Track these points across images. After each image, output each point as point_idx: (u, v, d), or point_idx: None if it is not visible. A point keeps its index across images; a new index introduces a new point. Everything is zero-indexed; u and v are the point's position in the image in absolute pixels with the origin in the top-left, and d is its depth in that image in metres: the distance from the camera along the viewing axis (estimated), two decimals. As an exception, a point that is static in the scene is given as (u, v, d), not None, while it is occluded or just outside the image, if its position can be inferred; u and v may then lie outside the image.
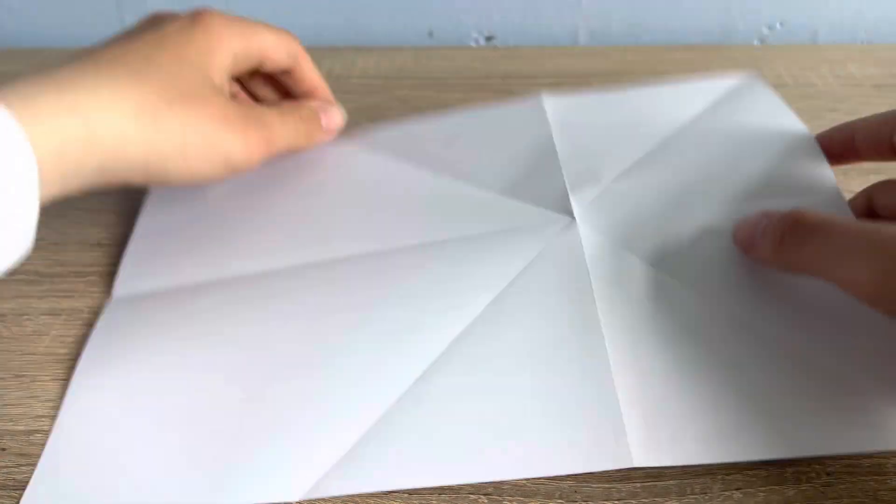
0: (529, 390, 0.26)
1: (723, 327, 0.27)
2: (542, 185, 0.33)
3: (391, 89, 0.51)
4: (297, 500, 0.24)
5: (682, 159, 0.33)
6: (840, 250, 0.23)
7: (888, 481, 0.25)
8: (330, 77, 0.52)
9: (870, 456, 0.25)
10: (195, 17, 0.31)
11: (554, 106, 0.39)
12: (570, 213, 0.31)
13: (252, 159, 0.31)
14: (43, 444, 0.27)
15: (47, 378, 0.30)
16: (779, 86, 0.50)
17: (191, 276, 0.33)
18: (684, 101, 0.38)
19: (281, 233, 0.34)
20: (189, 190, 0.37)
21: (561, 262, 0.29)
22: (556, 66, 0.53)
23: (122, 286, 0.33)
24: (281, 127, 0.33)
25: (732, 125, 0.35)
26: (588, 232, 0.30)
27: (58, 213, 0.38)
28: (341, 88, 0.51)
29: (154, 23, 0.32)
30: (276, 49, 0.34)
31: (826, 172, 0.31)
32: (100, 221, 0.38)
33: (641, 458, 0.24)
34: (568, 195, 0.32)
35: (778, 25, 0.59)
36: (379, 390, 0.26)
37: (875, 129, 0.30)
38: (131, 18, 0.59)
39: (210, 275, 0.32)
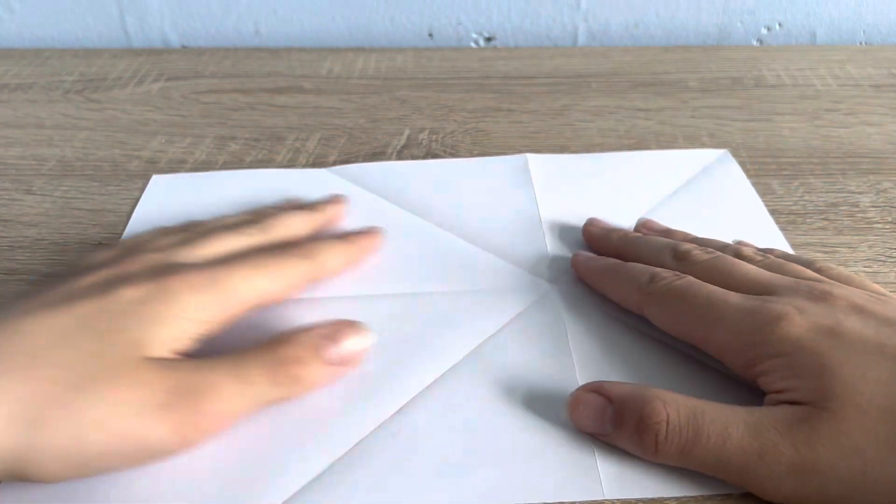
0: (506, 427, 0.27)
1: (686, 377, 0.29)
2: (525, 249, 0.35)
3: (391, 90, 0.51)
4: None
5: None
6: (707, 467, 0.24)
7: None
8: (330, 77, 0.53)
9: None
10: (159, 286, 0.26)
11: (538, 167, 0.42)
12: (549, 280, 0.34)
13: (188, 445, 0.24)
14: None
15: (48, 378, 0.30)
16: (777, 86, 0.50)
17: None
18: (662, 174, 0.41)
19: None
20: (181, 205, 0.39)
21: (538, 321, 0.31)
22: (555, 67, 0.54)
23: None
24: (238, 395, 0.25)
25: (703, 205, 0.38)
26: (566, 296, 0.33)
27: (59, 214, 0.39)
28: (342, 89, 0.51)
29: (120, 276, 0.26)
30: (271, 297, 0.29)
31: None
32: (100, 221, 0.38)
33: (610, 491, 0.25)
34: (549, 262, 0.35)
35: (776, 26, 0.60)
36: (351, 426, 0.27)
37: (622, 298, 0.31)
38: (132, 19, 0.59)
39: None
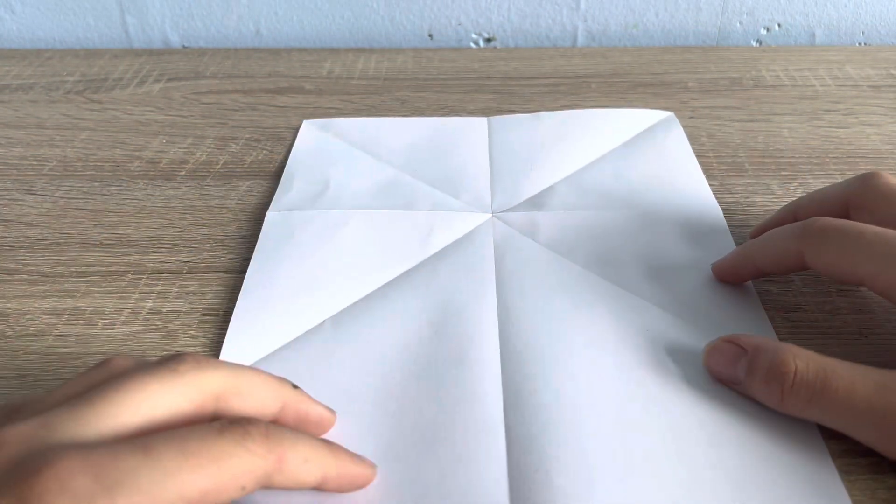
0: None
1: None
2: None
3: (391, 90, 0.51)
4: None
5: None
6: (844, 418, 0.24)
7: (886, 480, 0.25)
8: (330, 78, 0.53)
9: (867, 455, 0.25)
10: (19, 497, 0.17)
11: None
12: (488, 212, 0.39)
13: None
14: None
15: (50, 378, 0.30)
16: (776, 87, 0.50)
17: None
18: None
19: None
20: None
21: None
22: (555, 68, 0.54)
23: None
24: None
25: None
26: (498, 225, 0.37)
27: (59, 214, 0.39)
28: (342, 90, 0.51)
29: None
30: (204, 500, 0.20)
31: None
32: (101, 222, 0.38)
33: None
34: (490, 201, 0.39)
35: (776, 27, 0.60)
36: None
37: (778, 254, 0.29)
38: (133, 19, 0.59)
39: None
